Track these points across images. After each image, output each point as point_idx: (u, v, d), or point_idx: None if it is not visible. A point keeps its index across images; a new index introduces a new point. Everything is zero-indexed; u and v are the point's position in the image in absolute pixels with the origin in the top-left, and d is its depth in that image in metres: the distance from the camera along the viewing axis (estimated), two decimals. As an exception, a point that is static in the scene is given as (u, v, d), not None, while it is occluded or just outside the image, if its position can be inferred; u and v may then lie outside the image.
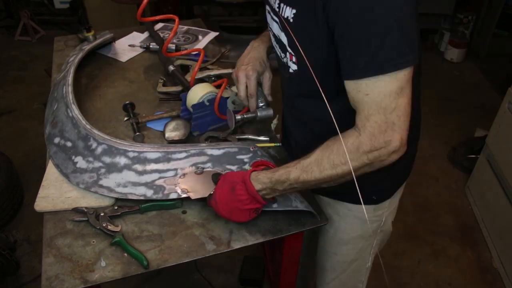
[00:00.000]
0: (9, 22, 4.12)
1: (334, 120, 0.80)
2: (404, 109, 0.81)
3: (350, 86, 0.83)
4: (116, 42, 1.75)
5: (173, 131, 1.26)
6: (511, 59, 3.67)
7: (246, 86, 1.15)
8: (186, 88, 1.35)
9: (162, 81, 1.49)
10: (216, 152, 1.13)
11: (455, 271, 2.09)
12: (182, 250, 0.97)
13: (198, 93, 1.24)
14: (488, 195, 2.22)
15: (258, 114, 1.16)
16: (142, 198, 1.04)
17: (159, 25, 1.90)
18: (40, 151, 2.61)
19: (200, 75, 1.43)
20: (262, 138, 1.25)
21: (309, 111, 1.07)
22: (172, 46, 1.66)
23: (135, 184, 1.06)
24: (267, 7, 1.03)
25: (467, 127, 2.93)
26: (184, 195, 1.04)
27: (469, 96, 3.28)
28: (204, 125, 1.28)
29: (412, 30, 0.79)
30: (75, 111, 1.21)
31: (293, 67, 0.99)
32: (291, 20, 0.91)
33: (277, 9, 0.95)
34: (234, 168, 1.11)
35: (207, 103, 1.24)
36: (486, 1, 3.55)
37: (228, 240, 0.99)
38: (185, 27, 1.89)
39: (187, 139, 1.25)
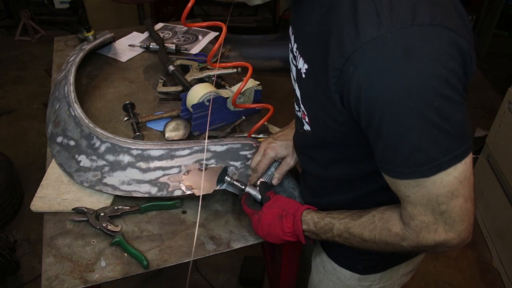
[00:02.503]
0: (9, 22, 4.11)
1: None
2: (460, 210, 0.67)
3: (387, 179, 0.69)
4: (116, 42, 1.75)
5: (173, 131, 1.26)
6: (511, 59, 3.67)
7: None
8: (186, 88, 1.35)
9: (162, 81, 1.49)
10: (219, 148, 1.13)
11: (455, 271, 2.09)
12: (182, 250, 0.97)
13: (198, 93, 1.24)
14: (488, 195, 2.22)
15: (246, 189, 1.01)
16: (146, 195, 1.04)
17: (159, 25, 1.90)
18: (40, 151, 2.62)
19: (200, 75, 1.43)
20: (261, 135, 1.25)
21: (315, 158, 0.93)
22: (172, 46, 1.66)
23: (139, 181, 1.07)
24: (290, 45, 0.87)
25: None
26: (188, 192, 1.04)
27: (469, 96, 3.24)
28: (204, 125, 1.28)
29: (458, 117, 0.61)
30: (78, 110, 1.21)
31: (307, 127, 0.83)
32: (303, 76, 0.77)
33: (295, 53, 0.81)
34: (237, 164, 1.11)
35: (207, 103, 1.24)
36: (486, 1, 3.55)
37: (228, 240, 0.99)
38: (185, 27, 1.89)
39: (187, 139, 1.25)
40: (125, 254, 0.95)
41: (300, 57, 0.77)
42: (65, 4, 3.89)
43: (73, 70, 1.39)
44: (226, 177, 1.04)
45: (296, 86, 0.83)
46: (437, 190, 0.64)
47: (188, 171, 1.08)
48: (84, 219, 1.01)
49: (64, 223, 1.02)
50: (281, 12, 4.04)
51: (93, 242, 0.98)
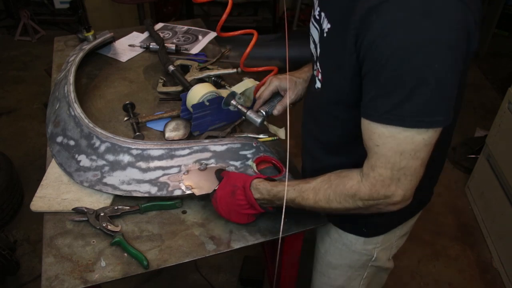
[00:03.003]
0: (9, 22, 4.11)
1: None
2: (414, 171, 0.75)
3: (365, 126, 0.77)
4: (116, 42, 1.75)
5: (173, 131, 1.26)
6: (511, 59, 3.67)
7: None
8: (186, 88, 1.35)
9: (162, 81, 1.49)
10: (219, 148, 1.13)
11: (455, 271, 2.09)
12: (182, 250, 0.97)
13: (198, 93, 1.24)
14: (488, 195, 2.22)
15: (247, 113, 1.16)
16: (146, 195, 1.05)
17: (159, 25, 1.90)
18: (40, 151, 2.62)
19: (200, 75, 1.43)
20: (261, 136, 1.25)
21: (324, 120, 1.01)
22: (172, 46, 1.66)
23: (139, 181, 1.07)
24: (313, 11, 0.96)
25: (467, 127, 2.93)
26: (188, 192, 1.04)
27: (469, 96, 3.28)
28: (204, 125, 1.28)
29: (450, 90, 0.70)
30: (77, 110, 1.21)
31: (318, 84, 0.92)
32: (325, 35, 0.85)
33: (317, 17, 0.89)
34: (237, 164, 1.12)
35: (207, 103, 1.24)
36: (486, 1, 3.55)
37: (228, 240, 0.99)
38: (185, 27, 1.89)
39: (187, 139, 1.25)
40: (125, 254, 0.95)
41: (324, 17, 0.85)
42: (65, 4, 3.89)
43: (73, 70, 1.39)
44: (232, 101, 1.19)
45: (317, 47, 0.91)
46: (405, 145, 0.72)
47: (188, 171, 1.08)
48: (84, 219, 1.01)
49: (64, 223, 1.02)
50: (281, 12, 4.04)
51: (93, 242, 0.98)
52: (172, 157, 1.10)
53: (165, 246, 0.97)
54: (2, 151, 2.33)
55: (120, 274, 0.92)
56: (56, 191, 1.08)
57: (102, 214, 1.01)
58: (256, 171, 1.11)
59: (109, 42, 1.72)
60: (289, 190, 0.90)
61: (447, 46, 0.66)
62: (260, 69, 1.23)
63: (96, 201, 1.05)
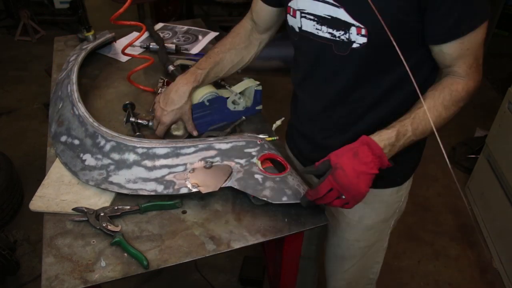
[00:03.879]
0: (9, 22, 4.12)
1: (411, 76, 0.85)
2: (481, 56, 0.95)
3: (452, 47, 0.91)
4: (116, 42, 1.75)
5: (173, 131, 1.26)
6: (511, 59, 3.67)
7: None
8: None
9: (162, 81, 1.49)
10: (224, 146, 1.13)
11: (455, 271, 2.09)
12: (182, 250, 0.97)
13: (198, 93, 1.24)
14: (488, 195, 2.22)
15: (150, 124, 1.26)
16: (153, 193, 1.05)
17: (159, 25, 1.90)
18: (40, 151, 2.62)
19: (200, 75, 1.42)
20: (261, 136, 1.25)
21: (366, 96, 1.04)
22: (172, 46, 1.66)
23: (145, 180, 1.07)
24: None
25: (467, 127, 2.93)
26: (194, 190, 1.04)
27: (469, 96, 3.28)
28: (204, 125, 1.28)
29: None
30: (82, 109, 1.21)
31: (360, 40, 0.93)
32: None
33: None
34: (242, 161, 1.12)
35: (207, 103, 1.24)
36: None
37: (228, 240, 0.99)
38: (185, 27, 1.89)
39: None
40: (125, 254, 0.95)
41: None
42: (65, 4, 3.90)
43: (75, 69, 1.39)
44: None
45: (337, 15, 0.94)
46: (482, 34, 0.91)
47: (193, 169, 1.09)
48: (84, 219, 1.01)
49: (64, 223, 1.02)
50: (281, 12, 4.04)
51: (93, 242, 0.98)
52: (177, 155, 1.10)
53: (165, 246, 0.97)
54: (2, 151, 2.33)
55: (120, 274, 0.92)
56: (56, 192, 1.08)
57: (102, 214, 1.01)
58: (261, 168, 1.11)
59: (109, 42, 1.72)
60: (406, 122, 0.94)
61: None
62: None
63: (94, 204, 1.05)
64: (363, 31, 0.92)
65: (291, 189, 1.05)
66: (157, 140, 1.15)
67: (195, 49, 1.71)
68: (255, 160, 1.12)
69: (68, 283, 0.89)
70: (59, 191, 1.08)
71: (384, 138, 0.92)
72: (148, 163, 1.09)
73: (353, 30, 0.93)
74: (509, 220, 1.98)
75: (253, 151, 1.14)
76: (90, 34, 1.63)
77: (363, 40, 0.93)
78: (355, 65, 0.98)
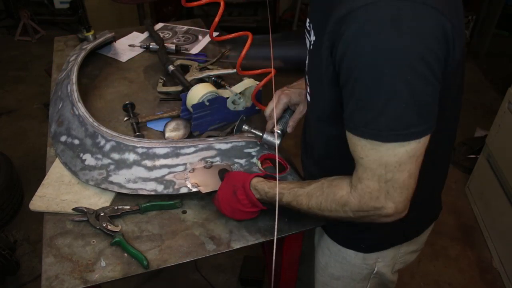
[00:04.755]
0: (9, 22, 4.11)
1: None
2: (403, 183, 0.72)
3: (348, 138, 0.76)
4: (116, 42, 1.75)
5: (173, 131, 1.26)
6: (511, 59, 3.67)
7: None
8: (186, 88, 1.35)
9: (162, 81, 1.49)
10: (224, 146, 1.14)
11: (455, 271, 2.09)
12: (182, 250, 0.97)
13: (198, 93, 1.24)
14: (488, 195, 2.22)
15: (264, 136, 1.08)
16: (152, 193, 1.05)
17: (159, 25, 1.90)
18: (40, 151, 2.62)
19: (200, 75, 1.43)
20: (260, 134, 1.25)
21: (315, 136, 1.00)
22: (172, 46, 1.66)
23: (145, 179, 1.07)
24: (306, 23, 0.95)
25: (467, 127, 2.93)
26: (194, 189, 1.05)
27: (469, 96, 3.28)
28: (204, 125, 1.28)
29: (427, 100, 0.67)
30: (81, 109, 1.21)
31: (308, 98, 0.92)
32: (311, 47, 0.83)
33: (308, 28, 0.87)
34: (242, 161, 1.12)
35: (207, 103, 1.24)
36: (486, 1, 3.55)
37: (228, 240, 0.99)
38: (185, 27, 1.89)
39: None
40: (125, 254, 0.95)
41: (311, 30, 0.83)
42: (65, 4, 3.90)
43: (75, 69, 1.39)
44: (244, 126, 1.10)
45: (307, 58, 0.89)
46: (388, 157, 0.70)
47: (193, 169, 1.09)
48: (84, 219, 1.01)
49: (64, 223, 1.02)
50: (281, 12, 4.05)
51: (93, 242, 0.98)
52: (177, 155, 1.11)
53: (165, 246, 0.97)
54: (2, 151, 2.33)
55: (120, 274, 0.92)
56: (56, 192, 1.08)
57: (102, 214, 1.01)
58: (261, 168, 1.11)
59: (109, 42, 1.72)
60: (284, 193, 0.90)
61: (418, 56, 0.63)
62: (257, 72, 1.20)
63: (94, 204, 1.05)
64: (308, 89, 0.90)
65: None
66: (157, 140, 1.15)
67: (195, 49, 1.71)
68: (255, 160, 1.13)
69: (68, 283, 0.89)
70: (59, 191, 1.08)
71: (259, 192, 0.94)
72: (148, 163, 1.09)
73: (307, 84, 0.92)
74: (509, 220, 1.98)
75: (253, 151, 1.14)
76: (90, 34, 1.63)
77: (309, 98, 0.91)
78: (307, 117, 1.00)
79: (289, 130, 1.10)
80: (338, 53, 0.69)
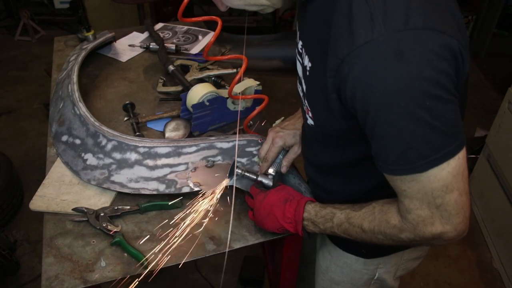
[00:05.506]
0: (9, 22, 4.11)
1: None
2: (455, 203, 0.68)
3: (385, 174, 0.72)
4: (116, 42, 1.75)
5: (173, 131, 1.26)
6: (511, 59, 3.67)
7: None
8: (186, 88, 1.35)
9: (162, 81, 1.49)
10: (225, 145, 1.14)
11: (455, 271, 2.09)
12: (182, 250, 0.97)
13: (198, 93, 1.24)
14: (488, 195, 2.22)
15: (259, 179, 1.04)
16: (155, 192, 1.05)
17: (159, 25, 1.90)
18: (40, 151, 2.62)
19: (200, 75, 1.43)
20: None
21: (324, 158, 0.96)
22: (172, 46, 1.66)
23: (147, 179, 1.07)
24: (297, 43, 0.90)
25: (467, 127, 2.92)
26: (196, 189, 1.05)
27: (469, 96, 3.27)
28: (204, 125, 1.28)
29: (449, 115, 0.64)
30: (82, 108, 1.21)
31: (310, 121, 0.87)
32: (307, 73, 0.80)
33: (300, 50, 0.84)
34: (244, 160, 1.12)
35: (207, 103, 1.24)
36: (486, 1, 3.55)
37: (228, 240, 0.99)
38: (185, 27, 1.89)
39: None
40: (125, 254, 0.95)
41: (305, 54, 0.80)
42: (65, 4, 3.89)
43: (76, 69, 1.40)
44: (237, 170, 1.03)
45: (302, 82, 0.86)
46: (432, 184, 0.67)
47: (195, 168, 1.09)
48: (84, 219, 1.01)
49: (64, 223, 1.02)
50: (281, 12, 4.04)
51: (93, 242, 0.98)
52: (179, 154, 1.11)
53: (165, 246, 0.97)
54: (2, 151, 2.33)
55: (120, 274, 0.92)
56: (56, 191, 1.08)
57: (102, 214, 1.01)
58: None
59: (109, 42, 1.72)
60: (336, 213, 0.86)
61: (432, 82, 0.61)
62: (225, 57, 1.19)
63: (94, 205, 1.05)
64: (310, 114, 0.85)
65: (292, 188, 1.05)
66: (159, 139, 1.15)
67: (195, 49, 1.71)
68: (256, 159, 1.13)
69: (68, 283, 0.89)
70: (60, 191, 1.08)
71: (312, 210, 0.90)
72: (149, 162, 1.09)
73: (305, 106, 0.87)
74: (509, 220, 1.98)
75: (254, 150, 1.15)
76: (90, 34, 1.63)
77: (311, 122, 0.86)
78: (313, 137, 0.95)
79: (283, 170, 1.08)
80: (347, 96, 0.67)
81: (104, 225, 0.99)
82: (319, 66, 0.73)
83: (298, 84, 0.90)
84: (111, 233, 0.98)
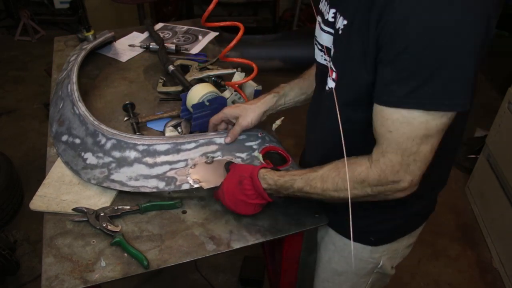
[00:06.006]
0: (9, 22, 4.11)
1: (343, 143, 0.79)
2: (424, 156, 0.75)
3: (377, 113, 0.77)
4: (116, 42, 1.75)
5: (173, 131, 1.26)
6: (511, 59, 3.67)
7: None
8: (186, 88, 1.35)
9: (162, 81, 1.49)
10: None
11: (455, 271, 2.09)
12: (182, 250, 0.97)
13: (198, 93, 1.24)
14: (488, 195, 2.22)
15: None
16: (154, 190, 1.05)
17: (159, 25, 1.90)
18: (40, 151, 2.62)
19: (200, 75, 1.43)
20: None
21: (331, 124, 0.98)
22: (172, 46, 1.66)
23: (147, 177, 1.07)
24: (318, 18, 0.94)
25: (467, 127, 2.93)
26: (196, 185, 1.05)
27: (469, 96, 3.28)
28: (204, 125, 1.27)
29: (470, 71, 0.70)
30: (82, 108, 1.22)
31: (331, 84, 0.90)
32: (340, 32, 0.83)
33: (332, 19, 0.87)
34: (243, 155, 1.12)
35: (207, 103, 1.24)
36: (486, 1, 3.55)
37: (228, 240, 0.99)
38: (185, 27, 1.89)
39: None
40: (125, 254, 0.95)
41: (340, 16, 0.83)
42: (65, 4, 3.90)
43: (75, 69, 1.40)
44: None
45: (330, 51, 0.89)
46: (419, 130, 0.72)
47: (194, 165, 1.09)
48: (84, 219, 1.01)
49: (64, 223, 1.02)
50: (281, 12, 4.04)
51: (93, 242, 0.98)
52: (178, 151, 1.11)
53: (165, 246, 0.97)
54: (2, 151, 2.33)
55: (120, 274, 0.92)
56: (57, 191, 1.08)
57: (102, 214, 1.01)
58: (263, 161, 1.11)
59: (109, 42, 1.72)
60: (297, 179, 0.90)
61: (469, 30, 0.66)
62: (222, 24, 1.17)
63: (93, 205, 1.05)
64: (334, 75, 0.88)
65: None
66: (158, 136, 1.15)
67: (195, 49, 1.71)
68: (256, 153, 1.13)
69: (68, 283, 0.89)
70: (60, 190, 1.08)
71: (268, 181, 0.94)
72: (149, 160, 1.09)
73: (328, 70, 0.91)
74: (509, 220, 1.98)
75: (254, 144, 1.15)
76: (90, 34, 1.63)
77: (332, 84, 0.89)
78: (323, 107, 0.98)
79: (226, 140, 1.13)
80: (387, 27, 0.70)
81: (104, 225, 0.99)
82: (359, 16, 0.76)
83: (319, 56, 0.95)
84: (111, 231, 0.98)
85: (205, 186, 1.04)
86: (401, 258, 1.15)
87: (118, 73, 1.59)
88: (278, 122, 1.30)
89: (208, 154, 1.11)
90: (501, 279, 2.02)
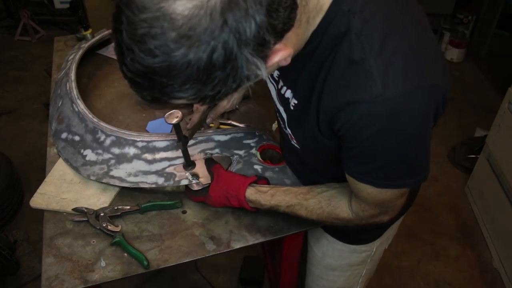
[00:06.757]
0: (9, 22, 4.11)
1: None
2: (400, 204, 0.84)
3: (348, 178, 0.80)
4: (116, 42, 1.74)
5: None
6: (511, 59, 3.67)
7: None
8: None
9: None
10: (223, 138, 1.15)
11: (455, 271, 2.09)
12: (182, 250, 0.97)
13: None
14: (488, 195, 2.22)
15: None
16: (154, 186, 1.06)
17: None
18: (40, 151, 2.62)
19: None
20: (241, 125, 1.25)
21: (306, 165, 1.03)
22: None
23: (146, 173, 1.07)
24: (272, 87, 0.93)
25: (467, 127, 2.93)
26: (195, 181, 1.05)
27: (469, 96, 3.28)
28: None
29: (422, 153, 0.73)
30: (81, 105, 1.22)
31: (296, 145, 0.91)
32: (291, 107, 0.82)
33: (276, 79, 0.87)
34: (241, 152, 1.13)
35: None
36: (486, 1, 3.55)
37: (228, 240, 0.99)
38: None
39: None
40: (125, 254, 0.95)
41: (286, 88, 0.83)
42: (65, 4, 3.89)
43: (73, 67, 1.40)
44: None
45: (280, 108, 0.89)
46: (394, 196, 0.80)
47: (193, 161, 1.09)
48: (84, 219, 1.01)
49: (64, 223, 1.02)
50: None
51: (93, 242, 0.98)
52: (177, 148, 1.11)
53: (165, 246, 0.97)
54: (2, 151, 2.33)
55: (120, 274, 0.92)
56: (57, 190, 1.08)
57: (102, 214, 1.01)
58: (260, 159, 1.12)
59: (109, 42, 1.71)
60: (282, 206, 0.95)
61: (417, 137, 0.68)
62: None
63: (93, 204, 1.05)
64: (294, 140, 0.89)
65: (290, 179, 1.07)
66: (157, 133, 1.15)
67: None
68: (254, 151, 1.13)
69: (68, 283, 0.89)
70: (61, 189, 1.08)
71: (256, 202, 0.97)
72: (148, 156, 1.09)
73: (288, 132, 0.90)
74: (509, 220, 1.98)
75: (251, 142, 1.15)
76: (88, 33, 1.63)
77: (297, 147, 0.90)
78: (295, 150, 0.96)
79: (207, 121, 1.19)
80: (338, 130, 0.70)
81: (104, 225, 0.99)
82: (309, 107, 0.75)
83: (276, 104, 0.92)
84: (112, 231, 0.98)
85: (204, 181, 1.05)
86: (392, 237, 1.19)
87: (118, 73, 1.57)
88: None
89: (207, 151, 1.12)
90: (501, 279, 2.02)
